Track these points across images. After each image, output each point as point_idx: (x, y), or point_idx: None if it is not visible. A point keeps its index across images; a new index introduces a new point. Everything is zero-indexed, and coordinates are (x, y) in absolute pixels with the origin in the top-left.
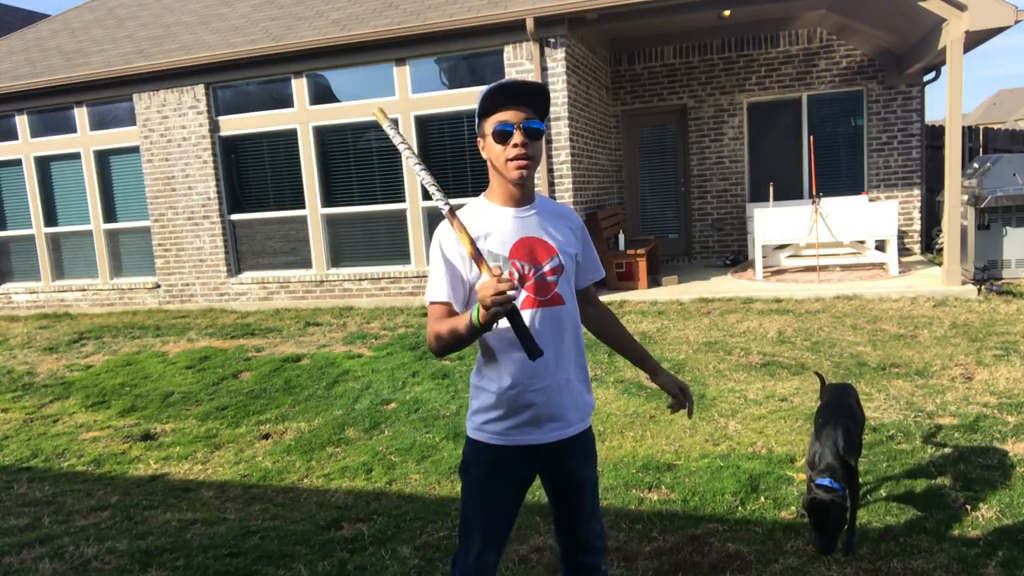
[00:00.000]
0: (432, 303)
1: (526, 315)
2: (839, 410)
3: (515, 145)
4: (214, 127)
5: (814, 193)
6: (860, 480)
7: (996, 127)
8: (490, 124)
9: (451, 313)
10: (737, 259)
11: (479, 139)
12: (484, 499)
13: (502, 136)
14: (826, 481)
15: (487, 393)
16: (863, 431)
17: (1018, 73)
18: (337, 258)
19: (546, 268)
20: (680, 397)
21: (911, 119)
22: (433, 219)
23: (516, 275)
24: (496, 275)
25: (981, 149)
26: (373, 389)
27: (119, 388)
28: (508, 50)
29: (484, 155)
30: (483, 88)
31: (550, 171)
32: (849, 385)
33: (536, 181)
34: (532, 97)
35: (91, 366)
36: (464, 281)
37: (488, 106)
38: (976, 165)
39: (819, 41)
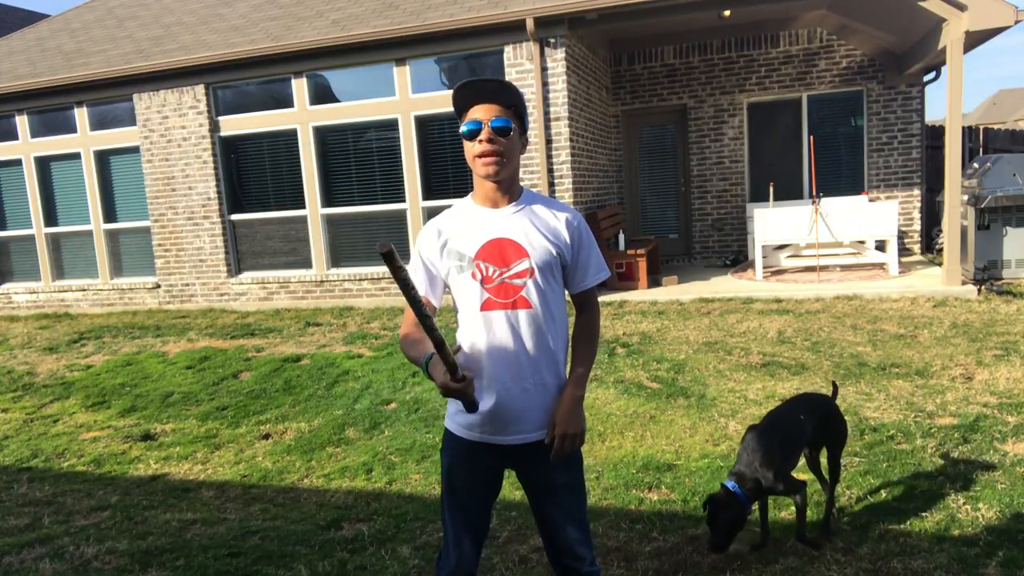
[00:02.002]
0: None
1: (486, 316)
2: (776, 420)
3: (480, 141)
4: (214, 127)
5: (814, 193)
6: (861, 480)
7: (996, 127)
8: (462, 124)
9: (428, 304)
10: (737, 259)
11: None
12: (452, 486)
13: (469, 134)
14: (730, 484)
15: None
16: (826, 439)
17: (1018, 73)
18: (337, 258)
19: (513, 270)
20: (551, 431)
21: (911, 119)
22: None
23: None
24: (445, 382)
25: (981, 149)
26: (373, 389)
27: (119, 388)
28: (508, 50)
29: None
30: None
31: (550, 171)
32: (817, 398)
33: (536, 181)
34: (501, 94)
35: (91, 366)
36: (438, 279)
37: (460, 106)
38: (976, 165)
39: (819, 41)
